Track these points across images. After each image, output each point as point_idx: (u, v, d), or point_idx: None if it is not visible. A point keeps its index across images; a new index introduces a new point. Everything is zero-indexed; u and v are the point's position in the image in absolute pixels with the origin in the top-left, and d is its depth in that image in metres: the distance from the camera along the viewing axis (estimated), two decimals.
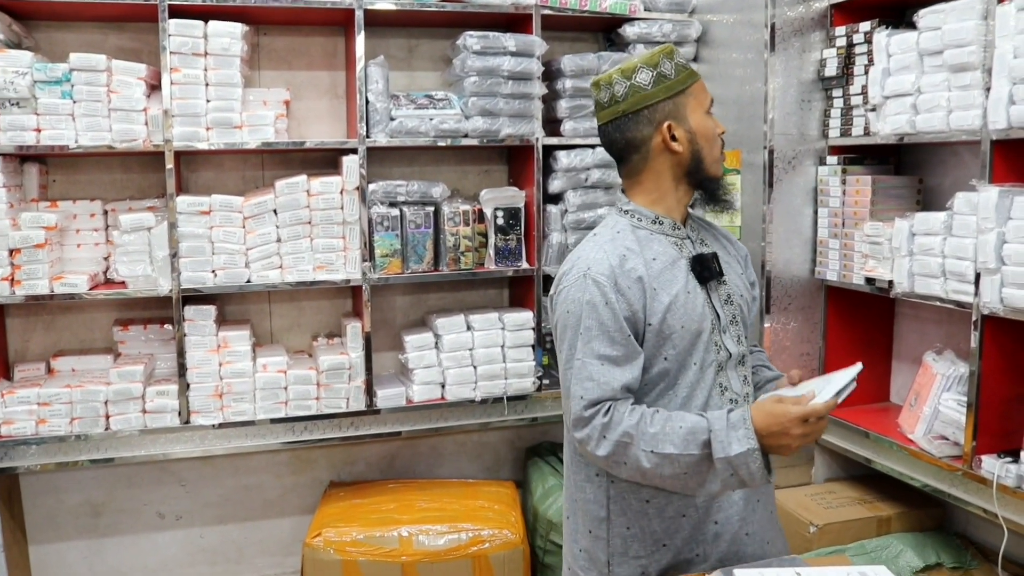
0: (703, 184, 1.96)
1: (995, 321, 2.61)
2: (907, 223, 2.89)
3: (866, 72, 3.08)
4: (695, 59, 3.72)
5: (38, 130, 3.11)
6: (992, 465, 2.61)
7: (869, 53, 3.07)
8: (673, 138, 1.88)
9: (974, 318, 2.64)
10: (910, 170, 3.31)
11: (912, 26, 2.87)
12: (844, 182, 3.21)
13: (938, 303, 2.81)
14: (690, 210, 2.01)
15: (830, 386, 1.74)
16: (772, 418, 1.70)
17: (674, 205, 1.95)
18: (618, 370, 1.81)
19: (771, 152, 3.26)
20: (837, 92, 3.25)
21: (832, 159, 3.29)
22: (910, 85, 2.86)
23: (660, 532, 1.89)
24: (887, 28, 3.02)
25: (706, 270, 1.89)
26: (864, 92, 3.10)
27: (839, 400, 1.72)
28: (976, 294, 2.62)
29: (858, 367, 1.77)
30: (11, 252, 3.11)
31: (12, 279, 3.12)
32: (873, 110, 3.06)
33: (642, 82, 1.87)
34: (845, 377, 1.74)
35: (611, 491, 1.91)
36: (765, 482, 1.72)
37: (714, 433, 1.72)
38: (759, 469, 1.69)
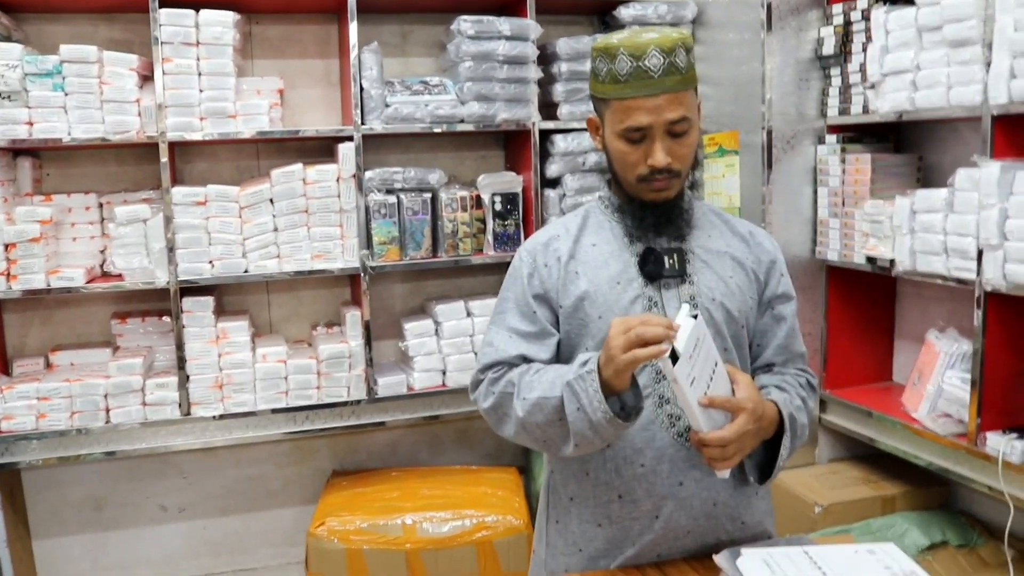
0: (631, 200, 1.80)
1: (998, 298, 2.60)
2: (908, 201, 2.87)
3: (864, 50, 3.05)
4: (693, 39, 3.69)
5: (30, 123, 3.09)
6: (997, 442, 2.60)
7: (867, 30, 3.05)
8: (598, 132, 1.80)
9: (977, 295, 2.63)
10: (910, 148, 3.29)
11: (910, 2, 2.85)
12: (844, 161, 3.19)
13: (940, 281, 2.79)
14: (697, 202, 1.88)
15: (687, 394, 1.52)
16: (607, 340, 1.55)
17: (636, 195, 1.79)
18: (524, 344, 1.78)
19: (769, 132, 3.24)
20: (835, 71, 3.23)
21: (831, 138, 3.26)
22: (909, 62, 2.84)
23: (578, 534, 1.84)
24: (885, 5, 3.00)
25: (652, 265, 1.75)
26: (862, 70, 3.07)
27: (670, 373, 1.48)
28: (979, 271, 2.61)
29: (699, 431, 1.56)
30: (6, 247, 3.09)
31: (8, 274, 3.11)
32: (872, 88, 3.03)
33: (597, 67, 1.72)
34: (694, 412, 1.54)
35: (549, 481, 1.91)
36: (607, 418, 1.55)
37: (566, 371, 1.64)
38: (596, 393, 1.55)
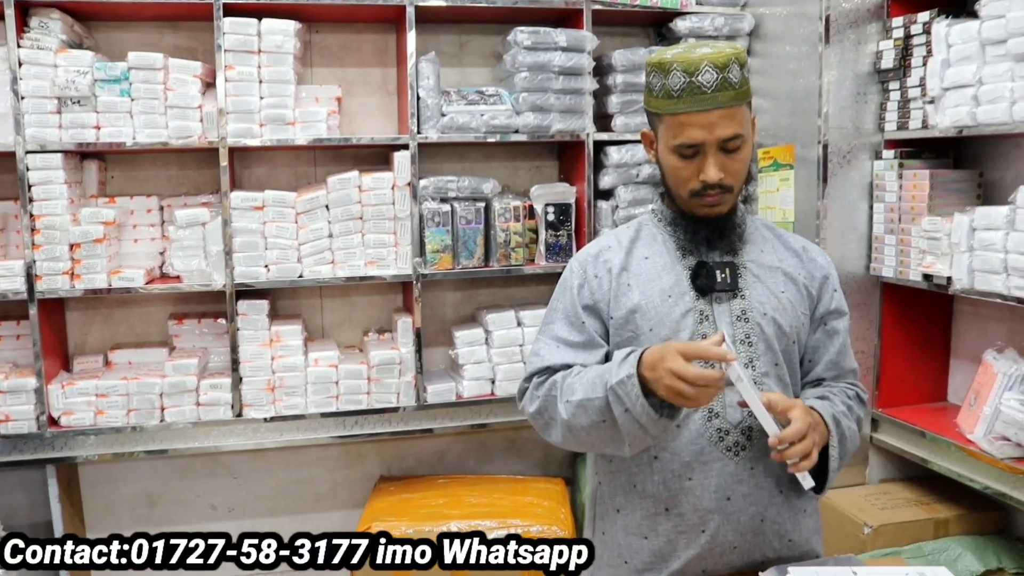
0: (684, 215, 1.81)
1: None
2: (967, 218, 2.82)
3: (924, 63, 3.01)
4: (749, 53, 3.67)
5: (97, 127, 3.18)
6: None
7: (927, 44, 3.00)
8: (652, 147, 1.81)
9: None
10: (969, 164, 3.23)
11: (973, 15, 2.80)
12: (901, 176, 3.15)
13: (999, 300, 2.74)
14: (750, 217, 1.88)
15: (756, 404, 1.57)
16: (657, 351, 1.56)
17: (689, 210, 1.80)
18: (570, 353, 1.79)
19: (825, 147, 3.21)
20: (894, 84, 3.19)
21: (888, 153, 3.22)
22: (971, 76, 2.79)
23: (623, 546, 1.84)
24: (947, 18, 2.96)
25: (704, 279, 1.76)
26: (922, 84, 3.03)
27: (735, 381, 1.53)
28: None
29: (772, 437, 1.59)
30: (71, 247, 3.18)
31: (72, 273, 3.19)
32: (931, 102, 2.99)
33: (651, 83, 1.73)
34: (763, 415, 1.58)
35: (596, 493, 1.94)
36: (654, 420, 1.57)
37: (608, 369, 1.63)
38: (638, 398, 1.56)
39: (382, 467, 3.93)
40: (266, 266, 3.35)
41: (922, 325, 3.36)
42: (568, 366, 1.79)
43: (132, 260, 3.42)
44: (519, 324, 3.61)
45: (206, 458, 3.71)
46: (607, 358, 1.80)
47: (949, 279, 2.91)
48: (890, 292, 3.31)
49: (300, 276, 3.39)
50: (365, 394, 3.48)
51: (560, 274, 1.96)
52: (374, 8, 3.39)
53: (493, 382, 3.59)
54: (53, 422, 3.26)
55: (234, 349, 3.35)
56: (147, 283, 3.30)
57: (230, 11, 3.23)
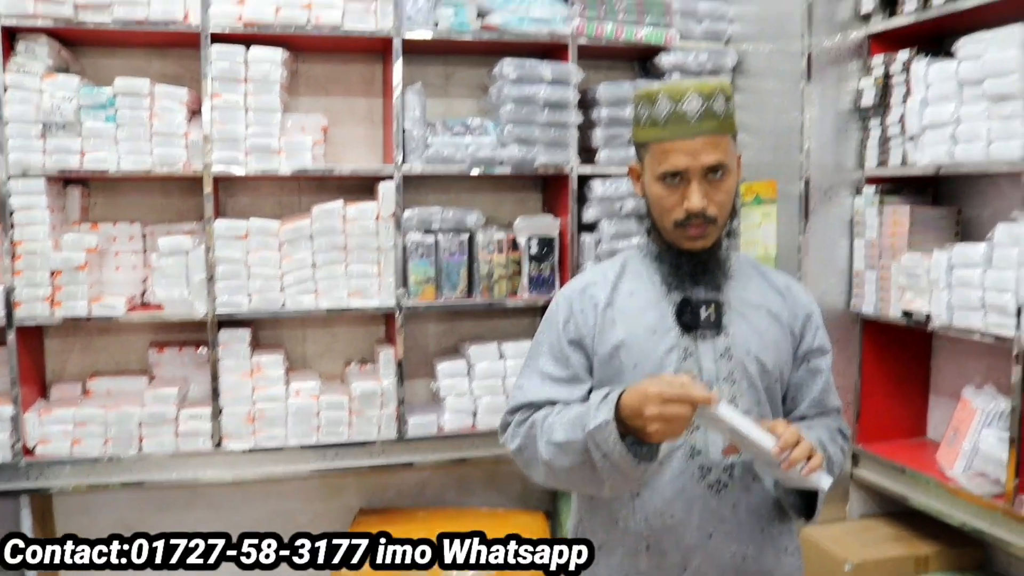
0: (669, 248, 1.80)
1: None
2: (946, 255, 2.85)
3: (904, 102, 3.06)
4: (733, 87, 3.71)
5: (82, 153, 3.17)
6: None
7: (907, 82, 3.05)
8: (639, 180, 1.82)
9: (1015, 352, 2.59)
10: (948, 201, 3.27)
11: (951, 55, 2.85)
12: (881, 213, 3.18)
13: (978, 337, 2.76)
14: (734, 253, 1.88)
15: (747, 425, 1.53)
16: (634, 392, 1.53)
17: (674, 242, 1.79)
18: (555, 387, 1.79)
19: (807, 182, 3.24)
20: (874, 122, 3.23)
21: (869, 189, 3.26)
22: (949, 115, 2.83)
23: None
24: (926, 57, 3.00)
25: (688, 316, 1.75)
26: (902, 122, 3.07)
27: (723, 416, 1.50)
28: (1018, 327, 2.57)
29: (773, 448, 1.54)
30: (52, 273, 3.16)
31: (52, 300, 3.17)
32: (911, 140, 3.03)
33: (639, 114, 1.75)
34: (757, 434, 1.54)
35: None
36: (632, 465, 1.55)
37: (586, 411, 1.62)
38: (616, 444, 1.53)
39: (362, 499, 3.90)
40: (249, 295, 3.33)
41: (902, 361, 3.38)
42: (552, 401, 1.78)
43: (113, 287, 3.40)
44: (501, 357, 3.60)
45: (184, 490, 3.66)
46: (591, 393, 1.79)
47: (928, 316, 2.93)
48: (870, 328, 3.33)
49: (283, 306, 3.37)
50: (346, 426, 3.46)
51: (543, 307, 1.97)
52: (361, 39, 3.41)
53: (475, 415, 3.58)
54: (28, 451, 3.21)
55: (214, 379, 3.33)
56: (128, 311, 3.28)
57: (218, 39, 3.24)
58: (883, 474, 3.22)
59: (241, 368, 3.36)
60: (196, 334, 3.54)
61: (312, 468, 3.46)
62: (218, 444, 3.34)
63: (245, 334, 3.36)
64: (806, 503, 1.74)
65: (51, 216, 3.17)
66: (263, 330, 3.72)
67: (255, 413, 3.37)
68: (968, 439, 2.83)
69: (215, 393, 3.33)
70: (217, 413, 3.33)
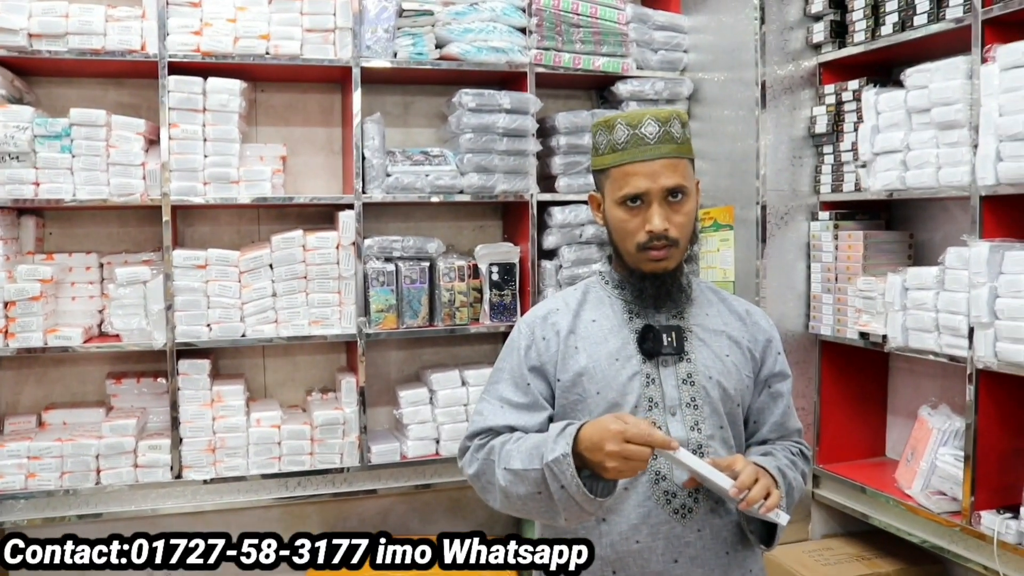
0: (631, 272, 1.81)
1: (989, 375, 2.62)
2: (900, 278, 2.91)
3: (856, 129, 3.13)
4: (688, 115, 3.76)
5: (36, 184, 3.13)
6: (992, 521, 2.60)
7: (858, 111, 3.12)
8: (599, 208, 1.83)
9: (968, 372, 2.65)
10: (901, 225, 3.35)
11: (899, 84, 2.93)
12: (836, 237, 3.24)
13: (932, 357, 2.82)
14: (695, 279, 1.90)
15: (705, 468, 1.57)
16: (595, 428, 1.55)
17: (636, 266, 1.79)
18: (514, 414, 1.79)
19: (763, 208, 3.29)
20: (828, 148, 3.30)
21: (824, 214, 3.32)
22: (899, 142, 2.90)
23: None
24: (875, 86, 3.08)
25: (651, 343, 1.76)
26: (854, 148, 3.14)
27: (682, 460, 1.54)
28: (970, 348, 2.63)
29: (731, 489, 1.57)
30: (6, 304, 3.11)
31: (6, 331, 3.12)
32: (863, 166, 3.10)
33: (598, 142, 1.78)
34: (716, 476, 1.57)
35: None
36: (589, 499, 1.55)
37: (544, 441, 1.62)
38: (572, 478, 1.54)
39: (324, 528, 3.85)
40: (208, 325, 3.30)
41: (860, 382, 3.44)
42: (511, 427, 1.78)
43: (70, 318, 3.35)
44: (463, 383, 3.60)
45: (143, 521, 3.58)
46: (551, 421, 1.80)
47: (884, 337, 2.99)
48: (828, 349, 3.38)
49: (243, 335, 3.35)
50: (308, 455, 3.43)
51: (504, 333, 1.97)
52: (320, 68, 3.42)
53: (438, 442, 3.57)
54: None
55: (174, 409, 3.29)
56: (85, 342, 3.23)
57: (175, 69, 3.23)
58: (844, 494, 3.26)
59: (201, 398, 3.32)
60: (155, 364, 3.49)
61: (274, 497, 3.43)
62: (178, 475, 3.30)
63: (205, 364, 3.33)
64: (767, 531, 1.76)
65: (4, 247, 3.13)
66: (223, 359, 3.68)
67: (215, 443, 3.33)
68: (925, 458, 2.88)
69: (175, 423, 3.29)
70: (177, 443, 3.29)
